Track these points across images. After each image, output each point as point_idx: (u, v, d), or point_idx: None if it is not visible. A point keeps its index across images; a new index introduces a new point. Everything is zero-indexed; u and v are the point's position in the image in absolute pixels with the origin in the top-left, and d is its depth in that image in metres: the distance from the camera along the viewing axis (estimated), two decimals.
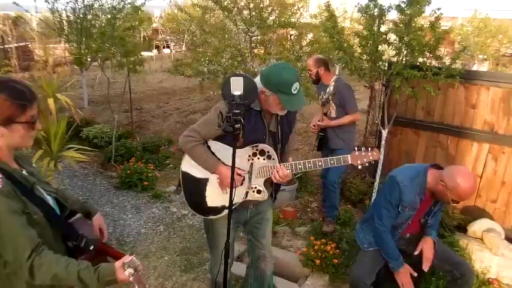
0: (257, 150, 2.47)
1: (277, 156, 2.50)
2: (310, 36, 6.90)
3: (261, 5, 5.83)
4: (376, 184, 4.58)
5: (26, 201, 1.57)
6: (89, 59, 8.10)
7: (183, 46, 18.70)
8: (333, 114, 4.38)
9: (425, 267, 2.92)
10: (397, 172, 2.92)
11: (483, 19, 15.52)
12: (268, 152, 2.47)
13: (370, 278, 2.94)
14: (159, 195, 5.25)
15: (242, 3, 6.13)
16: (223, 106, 2.33)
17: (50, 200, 1.76)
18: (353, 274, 3.07)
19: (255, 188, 2.53)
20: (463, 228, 4.38)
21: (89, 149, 5.05)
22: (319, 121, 4.50)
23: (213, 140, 2.50)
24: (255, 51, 6.59)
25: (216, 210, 2.61)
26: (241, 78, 2.07)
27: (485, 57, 14.59)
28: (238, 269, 3.55)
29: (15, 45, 12.47)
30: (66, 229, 1.78)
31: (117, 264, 1.58)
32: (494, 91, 4.46)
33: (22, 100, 1.55)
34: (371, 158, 2.41)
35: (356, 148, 2.44)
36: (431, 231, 3.02)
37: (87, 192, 5.39)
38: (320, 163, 2.44)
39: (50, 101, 4.46)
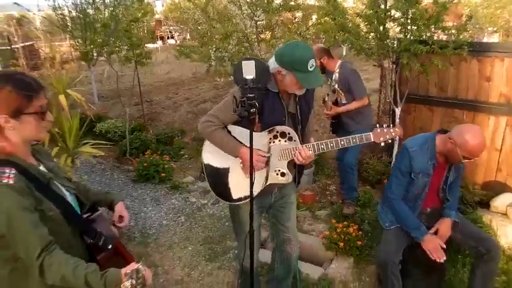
0: (278, 132, 2.45)
1: (299, 138, 2.49)
2: (314, 17, 6.82)
3: None
4: (393, 163, 4.56)
5: (41, 197, 1.57)
6: (95, 54, 8.11)
7: (188, 35, 18.66)
8: (344, 101, 4.37)
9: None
10: (407, 141, 2.99)
11: None
12: (289, 133, 2.45)
13: (397, 256, 2.93)
14: (177, 186, 5.30)
15: None
16: (237, 91, 2.32)
17: (69, 196, 1.75)
18: (380, 254, 3.08)
19: (279, 170, 2.52)
20: (485, 204, 4.36)
21: (104, 143, 5.11)
22: (327, 110, 4.51)
23: (232, 124, 2.49)
24: (262, 36, 6.55)
25: (240, 197, 2.61)
26: (253, 61, 2.05)
27: (495, 29, 14.32)
28: (263, 255, 3.58)
29: (22, 44, 12.50)
30: (84, 226, 1.77)
31: (122, 271, 1.54)
32: (509, 62, 4.37)
33: (28, 91, 1.55)
34: (393, 134, 2.40)
35: (377, 125, 2.44)
36: (450, 212, 3.02)
37: (106, 187, 5.45)
38: (343, 142, 2.41)
39: (61, 97, 4.46)
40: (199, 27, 6.96)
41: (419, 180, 2.90)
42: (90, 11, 8.00)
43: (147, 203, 4.98)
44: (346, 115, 4.41)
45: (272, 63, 2.38)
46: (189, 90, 10.27)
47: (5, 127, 1.53)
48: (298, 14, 6.62)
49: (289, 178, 2.54)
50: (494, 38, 14.55)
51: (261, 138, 2.45)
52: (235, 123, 2.47)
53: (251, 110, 1.98)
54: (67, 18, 8.46)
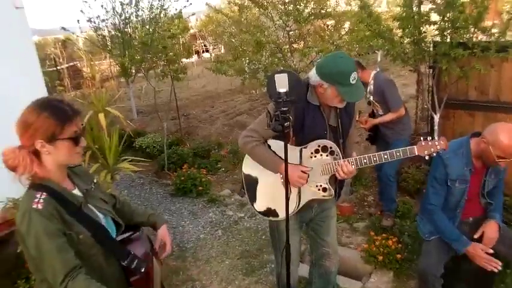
0: (319, 146, 2.42)
1: (341, 152, 2.45)
2: (347, 24, 6.75)
3: None
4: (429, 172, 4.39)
5: (72, 221, 1.61)
6: (133, 71, 8.36)
7: (222, 48, 18.92)
8: (380, 112, 4.27)
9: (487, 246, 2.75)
10: None
11: None
12: (331, 147, 2.42)
13: (438, 270, 2.80)
14: (214, 200, 5.33)
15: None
16: (271, 105, 2.29)
17: (102, 219, 1.78)
18: (420, 266, 2.95)
19: (320, 186, 2.49)
20: None
21: (142, 159, 5.23)
22: (363, 124, 4.43)
23: (272, 138, 2.48)
24: (294, 46, 6.54)
25: (276, 212, 2.60)
26: (285, 74, 2.04)
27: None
28: (301, 269, 3.51)
29: (66, 65, 13.09)
30: (116, 249, 1.79)
31: None
32: None
33: (64, 117, 1.60)
34: (438, 147, 2.34)
35: (422, 138, 2.38)
36: (494, 214, 2.86)
37: (145, 202, 5.56)
38: (386, 156, 2.35)
39: (101, 115, 4.63)
40: (233, 40, 7.02)
41: (456, 187, 2.78)
42: (128, 30, 8.27)
43: (184, 217, 5.04)
44: (384, 125, 4.31)
45: (313, 76, 2.35)
46: (225, 103, 10.38)
47: (41, 151, 1.60)
48: (330, 22, 6.57)
49: (331, 193, 2.51)
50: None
51: (302, 153, 2.43)
52: (276, 137, 2.46)
53: (285, 124, 1.96)
54: (107, 38, 8.78)
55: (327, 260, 2.87)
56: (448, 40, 4.12)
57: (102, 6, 7.91)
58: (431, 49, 4.38)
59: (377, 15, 4.38)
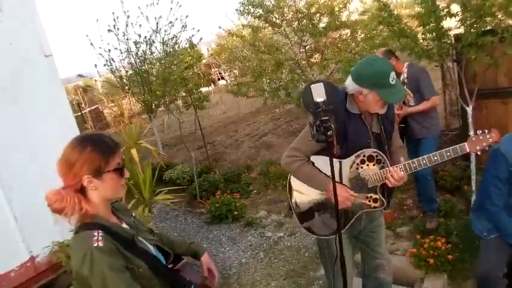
0: (364, 156, 2.36)
1: (387, 159, 2.38)
2: (360, 32, 6.72)
3: (310, 11, 5.78)
4: (472, 166, 4.25)
5: (129, 255, 1.57)
6: (155, 106, 8.48)
7: (237, 73, 19.13)
8: (412, 102, 4.18)
9: None
10: (500, 144, 2.61)
11: None
12: (376, 156, 2.35)
13: (500, 269, 2.64)
14: (251, 223, 5.27)
15: (289, 16, 6.13)
16: (311, 117, 2.24)
17: (153, 249, 1.76)
18: (480, 268, 2.79)
19: (371, 197, 2.42)
20: None
21: (176, 187, 5.25)
22: (397, 110, 4.30)
23: (314, 155, 2.43)
24: (312, 60, 6.54)
25: (330, 231, 2.53)
26: (321, 83, 2.01)
27: None
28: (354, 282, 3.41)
29: (89, 109, 13.44)
30: (173, 278, 1.76)
31: None
32: None
33: (107, 150, 1.60)
34: (490, 140, 2.23)
35: (471, 133, 2.30)
36: None
37: (182, 233, 5.55)
38: (436, 157, 2.26)
39: (133, 151, 4.69)
40: (248, 63, 7.08)
41: None
42: (145, 67, 8.43)
43: (223, 243, 4.99)
44: (413, 120, 4.20)
45: (350, 85, 2.31)
46: (248, 126, 10.41)
47: (88, 187, 1.58)
48: (345, 32, 6.57)
49: (383, 203, 2.44)
50: None
51: (347, 165, 2.38)
52: (318, 152, 2.41)
53: (328, 133, 1.91)
54: (124, 78, 8.96)
55: (381, 272, 2.77)
56: (473, 30, 4.01)
57: (115, 48, 8.10)
58: (453, 42, 4.28)
59: (397, 14, 4.32)
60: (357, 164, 2.37)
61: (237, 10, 6.27)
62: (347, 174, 2.40)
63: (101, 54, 8.01)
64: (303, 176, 2.43)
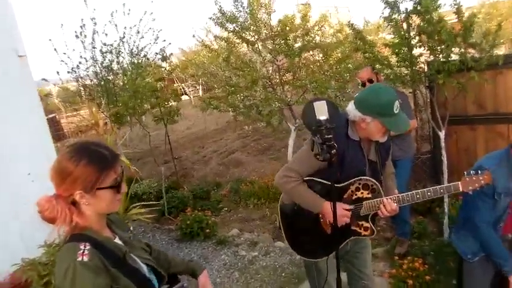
0: (360, 184, 2.35)
1: (381, 189, 2.38)
2: (333, 55, 6.86)
3: (285, 30, 5.84)
4: None
5: (116, 273, 1.47)
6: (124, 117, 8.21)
7: (200, 90, 19.03)
8: None
9: None
10: (481, 162, 2.75)
11: (492, 4, 15.42)
12: (372, 185, 2.35)
13: None
14: (223, 241, 5.17)
15: (263, 35, 6.16)
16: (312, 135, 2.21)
17: (145, 269, 1.65)
18: None
19: (362, 225, 2.42)
20: None
21: (150, 203, 5.08)
22: None
23: (310, 177, 2.40)
24: (284, 79, 6.58)
25: (314, 253, 2.53)
26: (324, 101, 2.02)
27: (502, 41, 14.33)
28: None
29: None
30: None
31: None
32: None
33: (103, 163, 1.48)
34: (483, 182, 2.30)
35: (465, 173, 2.34)
36: None
37: None
38: (429, 193, 2.30)
39: None
40: (220, 77, 7.03)
41: (501, 201, 2.68)
42: (111, 77, 8.19)
43: None
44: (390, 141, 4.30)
45: (352, 111, 2.29)
46: (215, 142, 10.33)
47: (80, 202, 1.48)
48: (318, 53, 6.68)
49: (373, 232, 2.45)
50: (502, 50, 14.57)
51: (342, 191, 2.36)
52: (313, 174, 2.38)
53: (332, 152, 1.89)
54: (89, 87, 8.66)
55: None
56: (440, 58, 4.20)
57: (81, 56, 7.83)
58: (425, 69, 4.47)
59: (370, 42, 4.46)
60: (352, 190, 2.37)
61: (211, 19, 6.22)
62: (343, 201, 2.38)
63: (63, 61, 7.72)
64: (297, 196, 2.41)
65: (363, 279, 2.75)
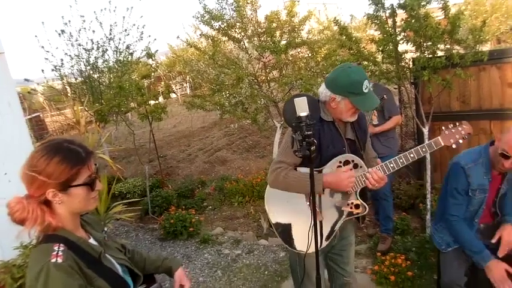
0: (341, 162, 2.31)
1: (364, 162, 2.35)
2: (319, 51, 6.83)
3: (271, 27, 5.79)
4: (428, 185, 4.39)
5: (92, 274, 1.43)
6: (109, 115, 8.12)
7: (187, 88, 18.91)
8: (375, 121, 4.27)
9: (502, 251, 2.66)
10: (459, 158, 2.81)
11: (477, 0, 15.55)
12: (353, 160, 2.32)
13: (462, 279, 2.74)
14: (207, 240, 5.11)
15: (249, 32, 6.11)
16: (291, 131, 2.19)
17: (120, 269, 1.62)
18: (444, 280, 2.87)
19: (352, 203, 2.35)
20: None
21: (132, 200, 5.01)
22: None
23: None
24: (270, 76, 6.54)
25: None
26: (305, 97, 1.97)
27: (487, 37, 14.46)
28: None
29: (29, 117, 12.67)
30: None
31: None
32: None
33: (77, 161, 1.44)
34: (463, 132, 2.29)
35: (443, 128, 2.33)
36: (509, 218, 2.80)
37: None
38: (412, 155, 2.27)
39: None
40: (206, 76, 6.96)
41: (476, 197, 2.73)
42: (96, 75, 8.09)
43: None
44: (375, 138, 4.28)
45: (323, 91, 2.30)
46: (201, 140, 10.24)
47: (53, 201, 1.43)
48: (304, 50, 6.64)
49: (365, 208, 2.36)
50: (487, 46, 14.70)
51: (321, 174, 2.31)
52: (301, 164, 2.34)
53: (311, 148, 1.86)
54: (74, 85, 8.54)
55: None
56: (426, 54, 4.20)
57: (66, 53, 7.71)
58: (411, 66, 4.45)
59: (356, 38, 4.43)
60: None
61: (195, 17, 6.15)
62: None
63: (47, 58, 7.59)
64: (294, 182, 2.28)
65: (345, 276, 2.71)
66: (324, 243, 2.42)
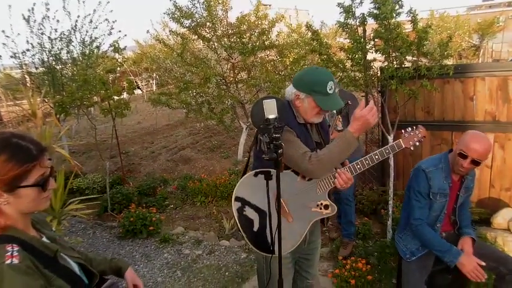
0: None
1: None
2: (288, 55, 6.87)
3: (240, 28, 5.77)
4: (391, 191, 4.46)
5: (49, 274, 1.34)
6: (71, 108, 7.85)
7: (153, 85, 18.61)
8: (339, 127, 4.29)
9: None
10: (420, 163, 2.96)
11: (441, 16, 16.17)
12: None
13: (422, 286, 2.82)
14: (167, 239, 4.99)
15: (219, 32, 6.06)
16: (259, 135, 2.15)
17: (76, 267, 1.54)
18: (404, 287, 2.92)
19: (321, 203, 2.34)
20: (483, 222, 4.34)
21: (84, 197, 4.83)
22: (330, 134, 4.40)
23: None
24: (238, 76, 6.51)
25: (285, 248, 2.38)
26: (274, 99, 1.95)
27: (450, 52, 15.01)
28: None
29: None
30: None
31: None
32: (490, 81, 4.49)
33: (27, 158, 1.32)
34: (420, 135, 2.37)
35: (403, 131, 2.41)
36: (468, 231, 2.92)
37: (90, 248, 5.08)
38: (377, 156, 2.30)
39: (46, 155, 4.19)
40: (176, 74, 6.85)
41: (437, 201, 2.84)
42: (59, 66, 7.80)
43: (137, 260, 4.65)
44: None
45: (289, 90, 2.31)
46: (165, 138, 10.06)
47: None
48: (273, 52, 6.65)
49: (334, 208, 2.35)
50: (449, 61, 15.27)
51: (292, 174, 2.30)
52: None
53: (279, 151, 1.84)
54: (34, 75, 8.20)
55: None
56: (394, 64, 4.28)
57: (27, 41, 7.40)
58: (379, 74, 4.53)
59: (326, 44, 4.46)
60: None
61: (165, 13, 6.05)
62: (297, 185, 2.32)
63: (5, 44, 7.26)
64: (335, 151, 2.19)
65: (308, 278, 2.71)
66: (294, 247, 2.37)
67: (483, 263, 2.67)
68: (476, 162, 2.67)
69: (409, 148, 2.38)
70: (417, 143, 2.39)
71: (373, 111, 2.17)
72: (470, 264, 2.65)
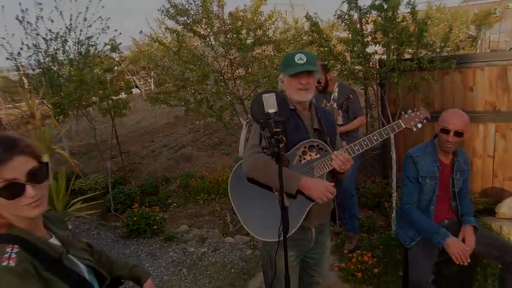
0: (305, 147, 2.30)
1: (329, 146, 2.32)
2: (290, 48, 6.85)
3: (236, 25, 5.75)
4: (394, 184, 4.46)
5: (50, 277, 1.29)
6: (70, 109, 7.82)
7: (152, 84, 18.57)
8: (340, 121, 4.30)
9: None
10: (409, 150, 3.08)
11: (438, 8, 16.15)
12: (317, 145, 2.30)
13: (429, 275, 2.79)
14: (171, 237, 5.00)
15: (215, 28, 6.04)
16: (258, 127, 2.11)
17: (84, 270, 1.49)
18: (412, 276, 2.91)
19: None
20: (487, 211, 4.35)
21: (92, 195, 4.85)
22: None
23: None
24: (236, 73, 6.49)
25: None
26: (273, 94, 1.94)
27: (451, 44, 15.00)
28: None
29: None
30: None
31: None
32: (489, 70, 4.49)
33: None
34: (421, 116, 2.39)
35: (403, 112, 2.43)
36: (469, 218, 2.94)
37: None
38: (375, 137, 2.30)
39: (45, 157, 4.17)
40: (171, 72, 6.82)
41: (427, 184, 2.93)
42: (55, 67, 7.77)
43: (142, 260, 4.66)
44: (339, 137, 4.32)
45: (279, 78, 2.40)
46: (165, 136, 10.06)
47: None
48: (270, 48, 6.63)
49: (333, 190, 2.25)
50: (446, 53, 15.25)
51: (290, 159, 2.26)
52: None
53: (280, 146, 1.83)
54: (31, 76, 8.17)
55: None
56: (395, 56, 4.27)
57: (23, 43, 7.35)
58: (378, 67, 4.52)
59: (326, 36, 4.44)
60: (299, 156, 2.31)
61: (160, 10, 6.02)
62: (293, 168, 2.28)
63: (2, 45, 7.22)
64: (273, 171, 2.07)
65: (314, 276, 2.68)
66: (294, 229, 2.29)
67: (468, 249, 2.73)
68: (459, 134, 2.75)
69: (411, 129, 2.39)
70: (419, 124, 2.41)
71: (326, 194, 2.16)
72: (456, 246, 2.72)
